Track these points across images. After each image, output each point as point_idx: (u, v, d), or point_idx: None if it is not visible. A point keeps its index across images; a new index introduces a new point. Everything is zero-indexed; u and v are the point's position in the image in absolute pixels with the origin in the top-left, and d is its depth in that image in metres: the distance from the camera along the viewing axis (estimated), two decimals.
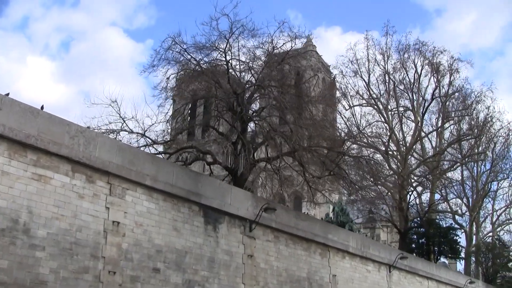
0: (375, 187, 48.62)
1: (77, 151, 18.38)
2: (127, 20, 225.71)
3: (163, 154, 26.76)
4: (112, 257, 18.88)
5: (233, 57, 27.39)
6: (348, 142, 33.93)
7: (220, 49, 26.79)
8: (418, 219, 55.88)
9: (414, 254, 51.75)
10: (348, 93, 55.75)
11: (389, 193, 54.57)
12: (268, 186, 36.01)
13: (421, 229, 55.41)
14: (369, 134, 51.61)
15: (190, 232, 22.08)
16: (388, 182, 51.81)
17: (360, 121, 54.46)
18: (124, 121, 25.54)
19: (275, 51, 29.11)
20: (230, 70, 27.66)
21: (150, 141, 25.86)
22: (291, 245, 27.75)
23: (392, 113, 55.98)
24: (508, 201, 70.26)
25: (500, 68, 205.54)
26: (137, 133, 25.68)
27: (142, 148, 25.55)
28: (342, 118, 53.88)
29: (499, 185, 69.12)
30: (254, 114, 28.22)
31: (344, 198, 54.34)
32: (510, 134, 61.78)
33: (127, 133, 25.67)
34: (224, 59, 26.91)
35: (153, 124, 26.07)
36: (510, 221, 71.60)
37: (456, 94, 56.58)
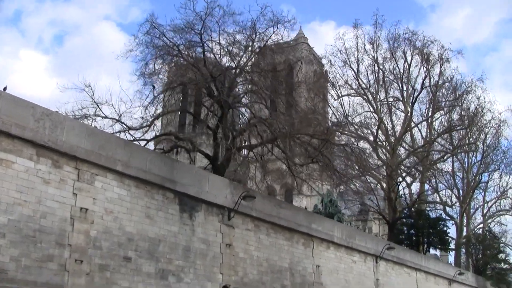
0: (363, 178, 48.00)
1: (42, 135, 17.59)
2: (120, 14, 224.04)
3: (140, 142, 25.89)
4: (79, 245, 18.10)
5: (211, 39, 26.51)
6: (335, 131, 32.80)
7: (196, 30, 25.88)
8: (407, 210, 55.05)
9: (405, 246, 51.23)
10: (336, 83, 54.92)
11: (378, 184, 54.00)
12: (258, 179, 35.18)
13: (410, 220, 54.71)
14: (357, 124, 50.96)
15: (164, 220, 21.31)
16: (377, 173, 51.16)
17: (349, 111, 53.70)
18: (98, 106, 24.71)
19: (257, 36, 28.24)
20: (209, 54, 26.81)
21: (125, 127, 25.04)
22: (273, 235, 27.01)
23: (382, 103, 55.18)
24: (499, 193, 69.70)
25: (493, 64, 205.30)
26: (112, 118, 24.87)
27: (117, 135, 24.69)
28: (330, 108, 53.13)
29: (490, 176, 68.63)
30: (234, 100, 27.35)
31: (333, 189, 53.46)
32: (501, 125, 61.16)
33: (101, 118, 24.84)
34: (199, 41, 26.00)
35: (128, 109, 25.28)
36: (500, 212, 71.05)
37: (447, 84, 55.86)
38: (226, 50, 27.05)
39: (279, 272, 26.93)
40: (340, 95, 54.23)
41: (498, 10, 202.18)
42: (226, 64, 27.71)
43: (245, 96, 29.41)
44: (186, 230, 22.21)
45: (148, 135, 26.67)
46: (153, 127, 26.66)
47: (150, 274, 20.25)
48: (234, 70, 27.26)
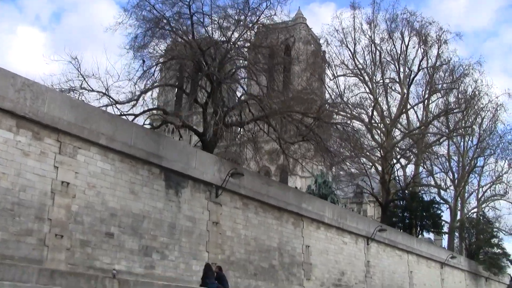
0: (357, 159, 47.56)
1: (22, 106, 17.09)
2: None
3: (128, 117, 25.28)
4: (60, 219, 17.67)
5: (202, 11, 25.68)
6: (328, 110, 32.04)
7: (184, 1, 25.10)
8: (400, 191, 54.54)
9: (398, 229, 50.92)
10: (332, 63, 54.17)
11: (373, 167, 53.53)
12: (255, 160, 34.57)
13: (403, 202, 54.28)
14: (352, 104, 50.35)
15: (149, 196, 20.87)
16: (372, 154, 50.72)
17: (344, 91, 53.03)
18: (84, 79, 24.05)
19: (250, 11, 27.53)
20: (199, 27, 26.08)
21: (112, 100, 24.39)
22: (261, 213, 26.60)
23: (378, 84, 54.49)
24: (494, 178, 69.29)
25: (493, 49, 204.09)
26: (98, 91, 24.21)
27: (104, 109, 24.07)
28: (326, 88, 52.31)
29: (486, 161, 68.14)
30: (225, 75, 26.71)
31: (327, 171, 53.00)
32: (498, 109, 60.53)
33: (88, 91, 24.18)
34: (188, 12, 25.25)
35: (115, 82, 24.59)
36: (495, 197, 70.73)
37: (444, 66, 55.16)
38: (217, 23, 26.35)
39: (267, 251, 26.56)
40: (336, 75, 53.52)
41: None
42: (218, 39, 26.96)
43: (238, 72, 28.73)
44: (172, 207, 21.77)
45: (138, 111, 26.10)
46: (143, 102, 26.10)
47: (133, 250, 19.86)
48: (226, 45, 26.57)
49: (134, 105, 24.73)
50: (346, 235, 34.10)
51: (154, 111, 26.90)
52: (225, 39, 26.39)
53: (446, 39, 53.85)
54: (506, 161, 66.58)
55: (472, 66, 55.41)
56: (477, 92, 55.85)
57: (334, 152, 29.38)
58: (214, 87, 25.60)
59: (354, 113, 49.69)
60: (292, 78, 46.21)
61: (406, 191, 54.48)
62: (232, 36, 26.68)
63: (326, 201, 36.31)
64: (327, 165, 36.57)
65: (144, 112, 26.02)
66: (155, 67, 26.98)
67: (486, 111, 59.94)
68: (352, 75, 54.20)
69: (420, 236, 57.33)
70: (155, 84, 25.68)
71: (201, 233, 22.89)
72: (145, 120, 27.00)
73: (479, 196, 71.12)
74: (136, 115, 25.71)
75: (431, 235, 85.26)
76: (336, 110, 39.32)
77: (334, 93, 52.40)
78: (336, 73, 53.41)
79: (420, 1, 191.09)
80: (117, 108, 24.82)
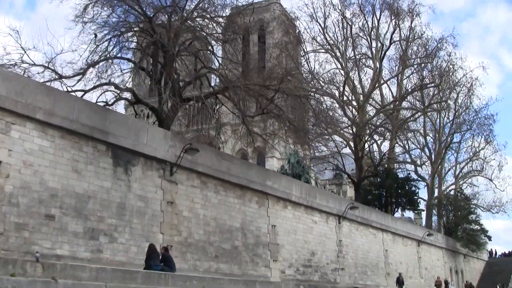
0: (329, 137, 46.45)
1: None
2: None
3: (78, 94, 23.65)
4: None
5: None
6: (293, 80, 30.27)
7: None
8: (373, 167, 53.18)
9: (374, 207, 49.92)
10: (302, 38, 52.66)
11: (347, 145, 52.40)
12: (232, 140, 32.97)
13: (377, 179, 53.17)
14: (323, 80, 49.04)
15: (94, 175, 19.35)
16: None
17: (314, 67, 51.64)
18: (25, 52, 22.35)
19: None
20: None
21: (57, 75, 22.70)
22: (222, 192, 25.19)
23: (350, 59, 53.13)
24: (471, 154, 68.60)
25: (471, 30, 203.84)
26: (40, 65, 22.52)
27: (49, 84, 22.43)
28: (294, 63, 50.69)
29: (463, 136, 67.38)
30: (180, 47, 25.11)
31: (296, 149, 51.72)
32: (474, 83, 59.58)
33: (29, 65, 22.50)
34: None
35: (59, 54, 22.82)
36: (472, 173, 70.12)
37: (417, 40, 53.96)
38: None
39: (229, 232, 25.22)
40: (306, 51, 52.04)
41: None
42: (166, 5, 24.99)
43: (194, 44, 27.10)
44: (121, 186, 20.29)
45: (88, 87, 24.47)
46: (97, 79, 24.43)
47: (78, 233, 18.38)
48: (180, 15, 24.89)
49: (80, 79, 23.13)
50: (315, 213, 32.86)
51: (107, 87, 25.13)
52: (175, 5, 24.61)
53: (419, 12, 52.69)
54: (483, 137, 65.91)
55: (446, 40, 54.36)
56: (451, 66, 54.83)
57: (299, 127, 27.87)
58: (168, 60, 23.97)
59: (325, 89, 48.36)
60: (267, 59, 44.82)
61: (381, 168, 53.33)
62: (187, 4, 25.08)
63: (293, 178, 34.91)
64: (295, 142, 35.11)
65: (94, 88, 24.37)
66: (109, 40, 25.29)
67: (461, 86, 59.07)
68: (323, 50, 52.83)
69: (397, 214, 56.56)
70: (105, 57, 24.00)
71: (154, 213, 21.46)
72: (98, 98, 25.34)
73: (457, 173, 70.51)
74: (85, 91, 24.11)
75: (412, 215, 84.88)
76: (303, 84, 37.62)
77: (305, 70, 50.98)
78: (306, 49, 51.99)
79: None
80: (65, 84, 23.21)
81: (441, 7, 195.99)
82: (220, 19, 26.23)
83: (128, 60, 25.00)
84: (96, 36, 25.03)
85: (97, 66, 24.12)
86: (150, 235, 21.07)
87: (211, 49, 25.95)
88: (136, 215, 20.65)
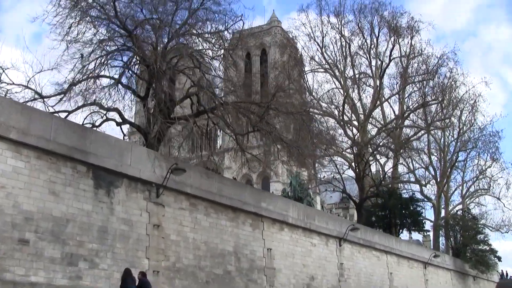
0: (330, 158, 45.45)
1: None
2: None
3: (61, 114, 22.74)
4: None
5: None
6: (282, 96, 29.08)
7: None
8: (374, 188, 51.70)
9: (380, 229, 48.62)
10: (302, 59, 51.85)
11: (350, 167, 51.25)
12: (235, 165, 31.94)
13: (378, 199, 51.71)
14: (323, 100, 48.15)
15: (74, 197, 18.39)
16: (347, 152, 48.54)
17: (313, 86, 50.76)
18: (4, 71, 21.53)
19: None
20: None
21: (37, 95, 21.81)
22: (213, 214, 24.13)
23: (350, 78, 52.19)
24: (477, 172, 67.13)
25: (472, 49, 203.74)
26: (19, 84, 21.65)
27: (29, 104, 21.58)
28: (292, 84, 49.61)
29: (468, 155, 66.01)
30: (168, 65, 24.19)
31: (297, 170, 50.53)
32: (477, 100, 58.43)
33: (6, 84, 21.65)
34: None
35: (38, 72, 21.93)
36: (479, 192, 68.54)
37: (418, 58, 53.05)
38: (151, 5, 23.50)
39: (221, 256, 24.09)
40: (304, 71, 51.22)
41: None
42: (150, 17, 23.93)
43: (183, 61, 26.17)
44: (103, 209, 19.30)
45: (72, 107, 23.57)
46: (79, 97, 23.54)
47: (55, 259, 17.36)
48: (168, 30, 23.97)
49: (61, 99, 22.25)
50: (314, 236, 31.69)
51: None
52: (158, 18, 23.64)
53: (418, 29, 51.91)
54: (489, 154, 64.57)
55: (447, 56, 53.46)
56: (453, 82, 53.85)
57: (293, 144, 26.78)
58: (155, 78, 23.04)
59: (325, 108, 47.44)
60: (270, 84, 44.10)
61: (384, 188, 51.95)
62: (174, 21, 24.18)
63: (290, 199, 33.79)
64: (292, 162, 33.93)
65: (78, 108, 23.47)
66: (95, 60, 24.43)
67: (465, 103, 57.96)
68: (321, 70, 51.99)
69: (405, 237, 55.14)
70: (86, 76, 23.08)
71: (139, 237, 20.42)
72: (84, 119, 24.41)
73: (463, 192, 68.95)
74: (69, 112, 23.23)
75: (420, 237, 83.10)
76: (303, 102, 36.50)
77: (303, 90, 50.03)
78: (305, 68, 51.18)
79: (397, 6, 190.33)
80: (47, 104, 22.36)
81: (442, 27, 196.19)
82: (208, 35, 25.32)
83: (113, 78, 24.11)
84: (82, 56, 24.20)
85: (79, 85, 23.19)
86: (135, 260, 20.03)
87: (199, 66, 25.02)
88: (119, 239, 19.63)
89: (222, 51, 25.71)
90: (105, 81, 25.30)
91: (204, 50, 25.81)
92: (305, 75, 51.94)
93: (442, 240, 66.87)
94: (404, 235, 64.30)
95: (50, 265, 17.20)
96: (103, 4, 22.67)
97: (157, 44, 24.26)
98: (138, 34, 23.22)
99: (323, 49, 51.33)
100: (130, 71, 24.88)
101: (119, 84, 24.24)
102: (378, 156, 53.36)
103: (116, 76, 24.33)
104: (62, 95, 22.53)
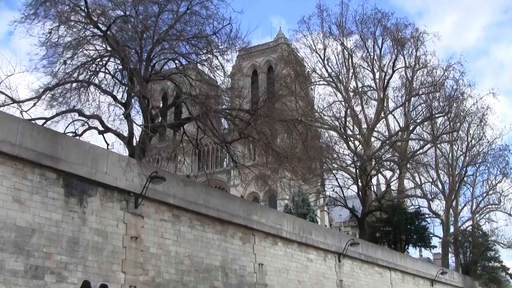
0: (330, 172, 44.04)
1: None
2: None
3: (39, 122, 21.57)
4: None
5: None
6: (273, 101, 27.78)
7: None
8: (376, 201, 49.91)
9: (384, 245, 46.95)
10: (305, 74, 50.68)
11: (355, 183, 49.67)
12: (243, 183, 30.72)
13: (382, 214, 49.93)
14: (326, 113, 46.86)
15: (41, 206, 17.15)
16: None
17: (314, 99, 49.49)
18: None
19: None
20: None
21: (8, 98, 20.70)
22: (198, 227, 22.81)
23: (352, 90, 50.81)
24: (487, 187, 65.24)
25: (484, 68, 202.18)
26: None
27: (1, 109, 20.43)
28: (294, 97, 48.02)
29: (477, 169, 64.27)
30: (152, 70, 23.08)
31: (298, 185, 49.10)
32: (485, 113, 56.77)
33: None
34: None
35: (11, 75, 20.71)
36: (489, 207, 66.53)
37: (424, 69, 51.63)
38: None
39: (207, 271, 22.70)
40: (306, 85, 49.92)
41: (485, 14, 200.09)
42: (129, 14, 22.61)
43: (167, 67, 25.04)
44: (74, 219, 18.05)
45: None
46: (58, 104, 22.40)
47: (17, 271, 16.08)
48: (152, 33, 22.79)
49: (35, 104, 21.11)
50: (311, 251, 30.24)
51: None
52: (140, 20, 22.43)
53: (423, 40, 50.58)
54: (499, 169, 62.80)
55: (453, 67, 52.00)
56: (459, 94, 52.33)
57: (279, 151, 25.42)
58: (136, 81, 21.86)
59: (327, 122, 46.13)
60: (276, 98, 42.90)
61: (389, 202, 50.20)
62: (157, 24, 23.00)
63: (284, 213, 32.39)
64: (290, 176, 32.59)
65: (56, 115, 22.33)
66: (78, 66, 23.30)
67: (473, 116, 56.36)
68: (324, 83, 50.71)
69: (415, 255, 53.34)
70: (65, 80, 21.95)
71: (115, 249, 19.14)
72: (66, 127, 23.28)
73: (473, 208, 66.98)
74: (47, 119, 22.08)
75: (430, 255, 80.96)
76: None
77: (303, 103, 48.78)
78: (306, 82, 49.92)
79: (401, 18, 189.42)
80: (22, 110, 21.22)
81: (453, 47, 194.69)
82: (194, 41, 24.12)
83: (94, 84, 22.96)
84: (65, 62, 23.08)
85: (56, 90, 22.04)
86: (109, 274, 18.73)
87: (183, 72, 23.86)
88: (91, 251, 18.36)
89: (209, 55, 24.46)
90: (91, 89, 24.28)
91: (189, 55, 24.65)
92: (310, 90, 50.85)
93: (452, 257, 64.99)
94: (413, 252, 62.62)
95: (11, 278, 15.93)
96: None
97: (141, 49, 23.14)
98: (118, 37, 22.07)
99: (325, 61, 50.09)
100: (112, 77, 23.64)
101: (99, 90, 23.05)
102: (382, 170, 51.80)
103: (96, 81, 23.13)
104: (36, 100, 21.37)
